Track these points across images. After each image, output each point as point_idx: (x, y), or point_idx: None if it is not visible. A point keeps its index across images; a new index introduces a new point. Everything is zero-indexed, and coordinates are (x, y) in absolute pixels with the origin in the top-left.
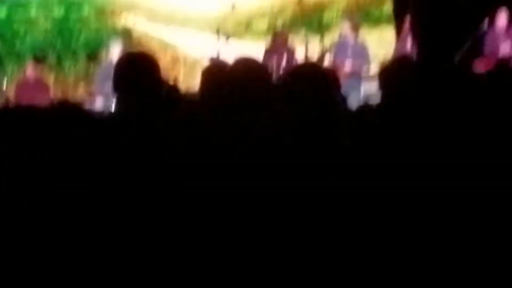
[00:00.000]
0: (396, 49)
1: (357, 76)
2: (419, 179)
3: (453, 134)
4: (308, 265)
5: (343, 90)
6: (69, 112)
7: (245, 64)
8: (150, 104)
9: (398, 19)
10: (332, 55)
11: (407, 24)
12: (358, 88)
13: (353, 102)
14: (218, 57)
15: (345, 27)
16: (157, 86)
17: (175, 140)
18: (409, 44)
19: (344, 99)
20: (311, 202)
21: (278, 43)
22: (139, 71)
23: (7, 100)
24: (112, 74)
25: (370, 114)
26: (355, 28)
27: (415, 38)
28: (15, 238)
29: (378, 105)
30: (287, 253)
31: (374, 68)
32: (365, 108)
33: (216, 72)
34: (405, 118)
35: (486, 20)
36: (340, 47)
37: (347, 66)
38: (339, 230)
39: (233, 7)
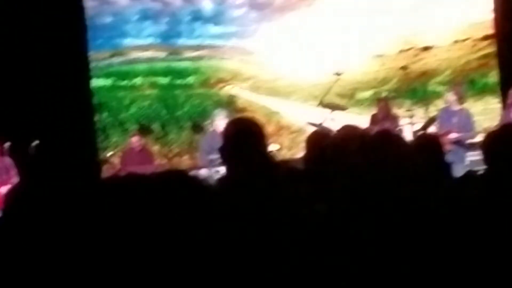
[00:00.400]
0: (501, 118)
1: (462, 144)
2: None
3: None
4: None
5: (448, 157)
6: (179, 178)
7: (348, 129)
8: (257, 171)
9: (504, 89)
10: (437, 123)
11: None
12: (462, 156)
13: (458, 170)
14: (323, 127)
15: (450, 97)
16: (263, 152)
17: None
18: None
19: (448, 166)
20: None
21: (382, 111)
22: (246, 136)
23: (113, 169)
24: (216, 145)
25: (474, 182)
26: (460, 98)
27: None
28: None
29: (483, 173)
30: None
31: (479, 138)
32: (469, 175)
33: (320, 139)
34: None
35: None
36: (444, 116)
37: (452, 134)
38: None
39: (337, 75)
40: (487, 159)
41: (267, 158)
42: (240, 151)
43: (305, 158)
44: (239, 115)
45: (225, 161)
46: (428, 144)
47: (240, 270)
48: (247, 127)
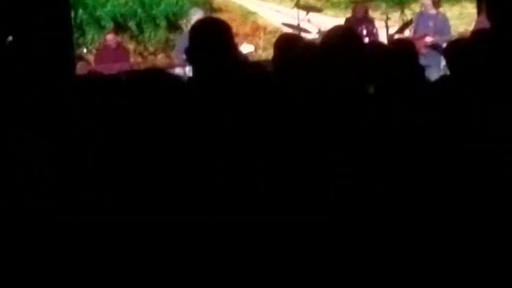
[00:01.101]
0: (476, 23)
1: (437, 47)
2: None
3: None
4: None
5: (423, 61)
6: (156, 76)
7: (338, 31)
8: (222, 69)
9: None
10: (413, 27)
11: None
12: (438, 60)
13: (434, 74)
14: (298, 28)
15: (426, 0)
16: (229, 50)
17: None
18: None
19: (422, 70)
20: None
21: (358, 15)
22: (211, 36)
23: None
24: None
25: (447, 87)
26: (436, 2)
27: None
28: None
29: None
30: None
31: None
32: (443, 80)
33: (289, 41)
34: (477, 89)
35: None
36: (420, 20)
37: (427, 37)
38: None
39: None
40: (451, 66)
41: (232, 58)
42: (205, 51)
43: (274, 60)
44: (215, 14)
45: (189, 61)
46: (402, 48)
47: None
48: (212, 26)
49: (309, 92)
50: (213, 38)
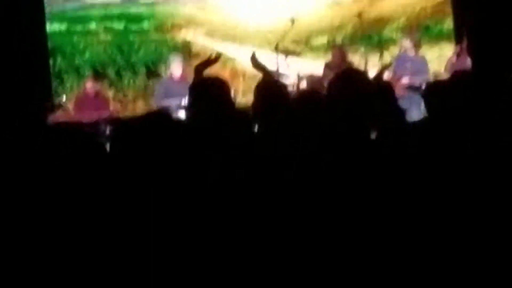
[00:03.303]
0: (447, 64)
1: (416, 88)
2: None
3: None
4: None
5: (403, 103)
6: (161, 120)
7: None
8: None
9: (458, 36)
10: (392, 70)
11: (465, 39)
12: (418, 102)
13: (414, 116)
14: (277, 72)
15: (406, 43)
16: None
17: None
18: (467, 59)
19: (401, 112)
20: None
21: (337, 59)
22: (214, 96)
23: (68, 114)
24: (171, 90)
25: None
26: (416, 45)
27: (471, 52)
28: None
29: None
30: None
31: None
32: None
33: (269, 86)
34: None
35: None
36: (399, 61)
37: (406, 79)
38: None
39: (292, 21)
40: (429, 108)
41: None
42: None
43: (254, 106)
44: (194, 60)
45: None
46: (380, 90)
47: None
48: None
49: (301, 140)
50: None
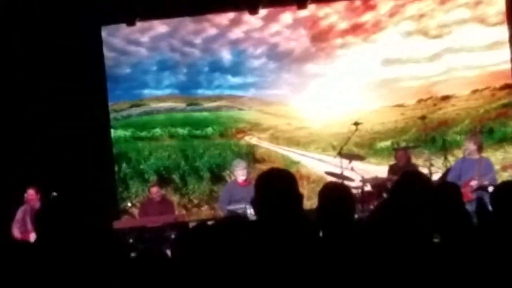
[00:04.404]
0: None
1: (485, 189)
2: None
3: None
4: None
5: (471, 207)
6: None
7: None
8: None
9: None
10: (456, 172)
11: None
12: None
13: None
14: (342, 176)
15: (470, 146)
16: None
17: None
18: None
19: (469, 215)
20: None
21: (401, 162)
22: (280, 186)
23: (133, 219)
24: (235, 195)
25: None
26: (479, 147)
27: None
28: None
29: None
30: None
31: None
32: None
33: (332, 191)
34: None
35: None
36: (464, 165)
37: (473, 182)
38: None
39: (356, 125)
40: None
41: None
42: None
43: (318, 209)
44: (258, 165)
45: (257, 213)
46: (445, 192)
47: None
48: (280, 176)
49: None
50: (282, 190)
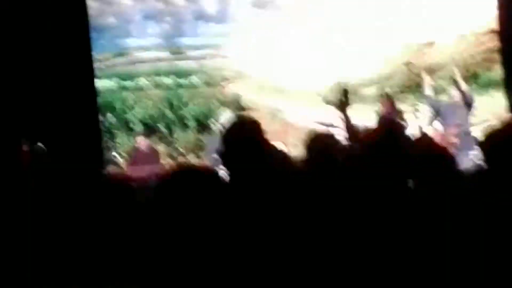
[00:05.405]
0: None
1: (467, 134)
2: None
3: None
4: None
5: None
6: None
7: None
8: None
9: (508, 85)
10: (441, 117)
11: None
12: (469, 148)
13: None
14: (327, 127)
15: (454, 92)
16: (262, 153)
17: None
18: None
19: (453, 162)
20: None
21: (387, 107)
22: (245, 138)
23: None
24: None
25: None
26: (464, 92)
27: None
28: None
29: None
30: None
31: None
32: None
33: (318, 140)
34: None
35: None
36: (449, 110)
37: (455, 127)
38: None
39: (340, 84)
40: (487, 157)
41: (266, 157)
42: (239, 154)
43: (306, 159)
44: (243, 113)
45: (224, 165)
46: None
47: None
48: (245, 127)
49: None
50: (246, 140)
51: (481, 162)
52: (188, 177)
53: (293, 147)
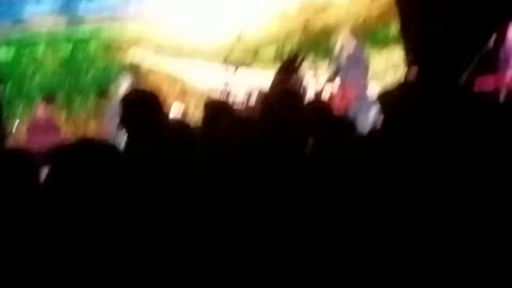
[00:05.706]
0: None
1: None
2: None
3: (456, 155)
4: None
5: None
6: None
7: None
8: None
9: (405, 40)
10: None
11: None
12: (367, 109)
13: (363, 121)
14: (226, 87)
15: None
16: (160, 121)
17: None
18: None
19: (352, 125)
20: None
21: (287, 67)
22: (142, 108)
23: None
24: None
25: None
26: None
27: (419, 60)
28: None
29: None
30: None
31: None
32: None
33: (215, 105)
34: (405, 142)
35: (494, 36)
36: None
37: (353, 91)
38: None
39: (239, 37)
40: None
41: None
42: (136, 122)
43: (202, 123)
44: (144, 77)
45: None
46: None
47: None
48: (143, 98)
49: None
50: (143, 105)
51: (377, 120)
52: (83, 149)
53: (194, 108)
